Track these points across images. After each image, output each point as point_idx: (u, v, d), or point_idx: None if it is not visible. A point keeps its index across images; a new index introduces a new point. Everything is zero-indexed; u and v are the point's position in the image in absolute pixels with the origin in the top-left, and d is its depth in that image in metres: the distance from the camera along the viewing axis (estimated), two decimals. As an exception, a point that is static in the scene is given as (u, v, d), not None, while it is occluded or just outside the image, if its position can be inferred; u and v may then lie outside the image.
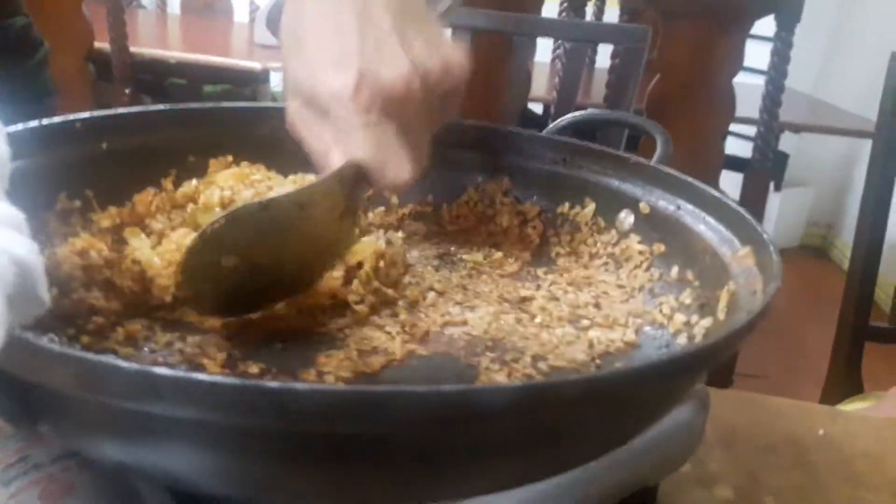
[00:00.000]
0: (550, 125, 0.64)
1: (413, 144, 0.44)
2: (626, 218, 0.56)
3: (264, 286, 0.44)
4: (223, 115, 0.61)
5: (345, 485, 0.30)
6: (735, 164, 1.78)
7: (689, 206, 0.52)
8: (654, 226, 0.54)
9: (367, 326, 0.47)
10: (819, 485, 0.49)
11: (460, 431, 0.28)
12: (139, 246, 0.48)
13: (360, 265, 0.49)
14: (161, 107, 0.58)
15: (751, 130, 1.62)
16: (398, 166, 0.42)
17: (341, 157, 0.43)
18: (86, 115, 0.53)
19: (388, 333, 0.46)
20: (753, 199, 1.47)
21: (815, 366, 1.09)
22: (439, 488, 0.31)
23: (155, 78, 2.17)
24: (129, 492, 0.35)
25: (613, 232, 0.56)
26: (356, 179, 0.43)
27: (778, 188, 2.82)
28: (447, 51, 0.44)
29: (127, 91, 1.86)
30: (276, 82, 2.38)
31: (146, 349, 0.41)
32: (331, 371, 0.41)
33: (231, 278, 0.42)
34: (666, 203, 0.53)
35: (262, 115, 0.63)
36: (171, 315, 0.45)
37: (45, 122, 0.50)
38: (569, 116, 0.65)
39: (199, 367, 0.40)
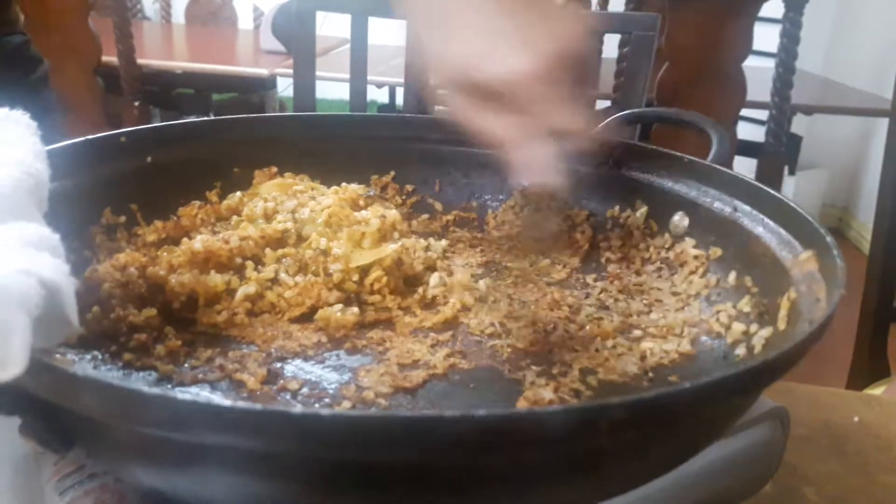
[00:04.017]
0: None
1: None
2: (681, 221, 0.53)
3: None
4: (267, 126, 0.61)
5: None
6: (748, 149, 1.72)
7: (747, 208, 0.49)
8: (710, 229, 0.51)
9: (408, 338, 0.45)
10: (859, 473, 0.47)
11: (496, 458, 0.27)
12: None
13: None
14: (206, 119, 0.59)
15: (762, 114, 1.57)
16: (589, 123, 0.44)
17: (545, 128, 0.42)
18: (130, 129, 0.53)
19: (430, 346, 0.45)
20: (769, 184, 1.41)
21: (838, 350, 1.05)
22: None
23: (163, 89, 2.21)
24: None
25: (667, 236, 0.54)
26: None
27: (792, 172, 2.71)
28: (576, 15, 0.45)
29: (136, 103, 1.88)
30: (283, 87, 2.39)
31: (187, 365, 0.41)
32: (370, 386, 0.40)
33: None
34: (722, 204, 0.51)
35: (305, 124, 0.62)
36: (213, 330, 0.45)
37: (89, 137, 0.51)
38: (617, 116, 0.62)
39: (240, 383, 0.40)
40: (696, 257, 0.51)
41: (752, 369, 0.27)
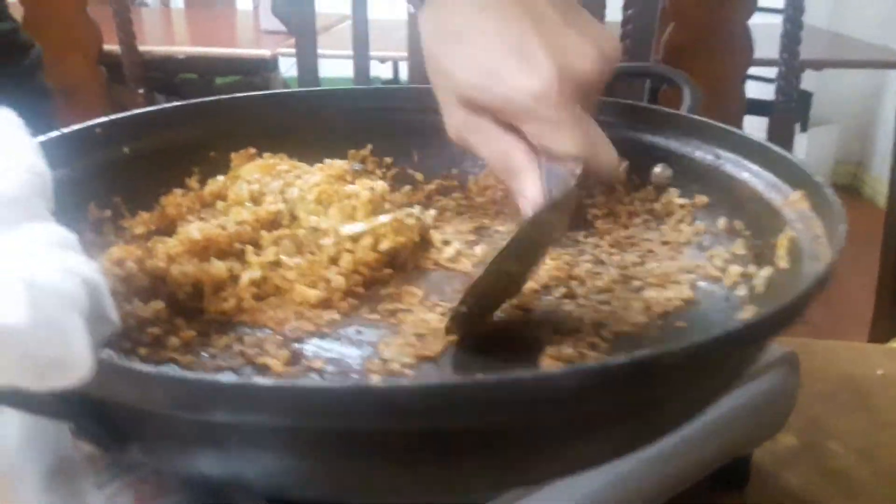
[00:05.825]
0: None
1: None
2: (663, 172, 0.55)
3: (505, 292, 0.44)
4: (239, 106, 0.59)
5: (444, 476, 0.29)
6: (758, 107, 1.70)
7: (730, 155, 0.51)
8: (694, 178, 0.53)
9: (418, 308, 0.46)
10: (883, 426, 0.48)
11: (560, 412, 0.28)
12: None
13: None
14: (177, 104, 0.57)
15: (771, 72, 1.55)
16: (609, 153, 0.41)
17: (553, 156, 0.40)
18: (104, 119, 0.52)
19: (441, 314, 0.45)
20: (780, 142, 1.42)
21: (858, 306, 1.07)
22: (535, 470, 0.31)
23: (166, 75, 2.17)
24: (220, 491, 0.34)
25: (650, 188, 0.55)
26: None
27: (804, 129, 2.70)
28: (608, 33, 0.42)
29: (140, 91, 1.85)
30: (285, 68, 2.35)
31: (205, 355, 0.41)
32: (393, 358, 0.41)
33: (503, 289, 0.42)
34: (703, 153, 0.52)
35: (276, 103, 0.61)
36: (223, 318, 0.44)
37: (65, 130, 0.49)
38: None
39: (264, 368, 0.40)
40: (682, 206, 0.53)
41: (791, 305, 0.29)
